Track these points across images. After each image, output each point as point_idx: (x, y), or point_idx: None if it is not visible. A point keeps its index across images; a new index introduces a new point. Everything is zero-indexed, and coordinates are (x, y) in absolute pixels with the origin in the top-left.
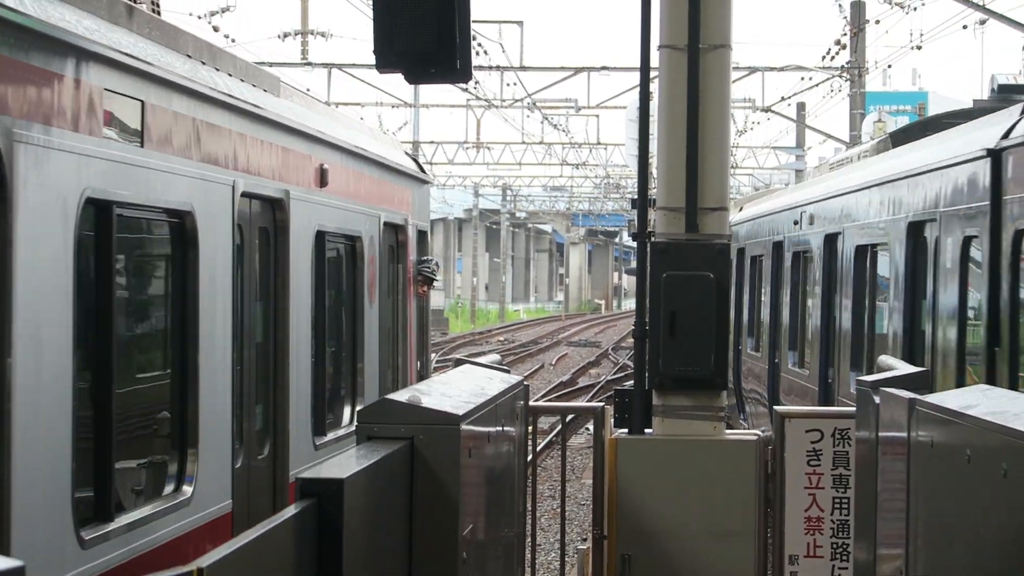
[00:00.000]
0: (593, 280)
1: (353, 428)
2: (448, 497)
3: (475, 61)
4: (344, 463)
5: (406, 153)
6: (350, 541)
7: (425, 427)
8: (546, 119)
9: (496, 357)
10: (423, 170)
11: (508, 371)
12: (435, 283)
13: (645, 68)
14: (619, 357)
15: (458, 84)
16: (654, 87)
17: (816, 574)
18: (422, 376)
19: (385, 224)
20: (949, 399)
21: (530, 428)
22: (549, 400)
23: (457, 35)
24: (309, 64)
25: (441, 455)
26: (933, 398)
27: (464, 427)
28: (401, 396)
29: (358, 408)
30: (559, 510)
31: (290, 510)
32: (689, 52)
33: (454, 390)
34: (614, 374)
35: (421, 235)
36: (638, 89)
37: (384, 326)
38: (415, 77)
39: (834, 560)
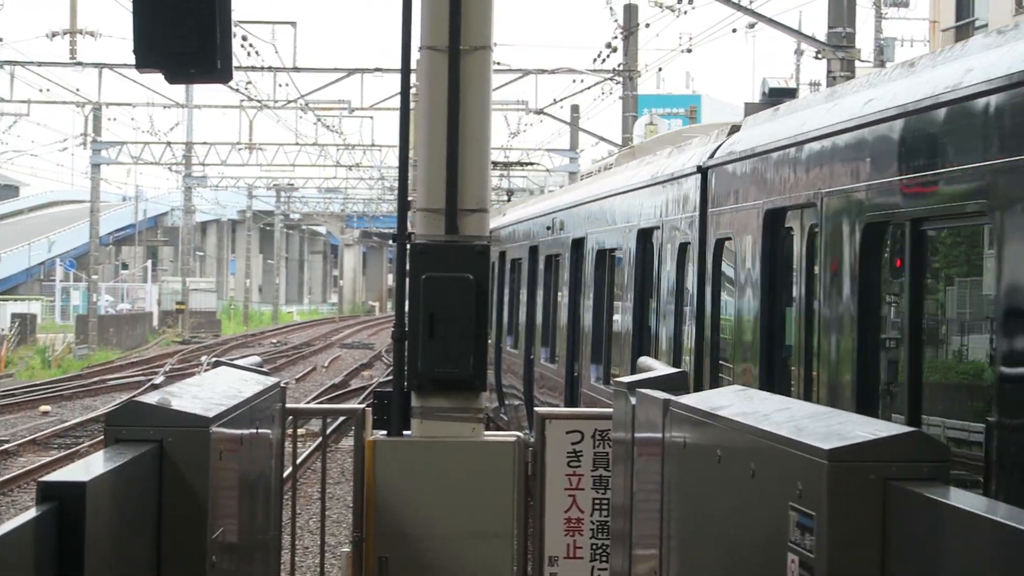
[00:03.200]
0: (368, 282)
1: None
2: (197, 500)
3: (247, 62)
4: (88, 466)
5: None
6: (94, 547)
7: (174, 429)
8: (320, 120)
9: (256, 359)
10: None
11: (267, 373)
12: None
13: (406, 69)
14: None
15: (220, 84)
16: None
17: (575, 575)
18: None
19: None
20: (702, 400)
21: (289, 431)
22: (321, 402)
23: (218, 35)
24: (79, 64)
25: (190, 458)
26: (686, 399)
27: (215, 429)
28: (151, 398)
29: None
30: (328, 513)
31: (27, 515)
32: (450, 53)
33: (206, 392)
34: (387, 376)
35: None
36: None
37: None
38: (175, 77)
39: (593, 561)
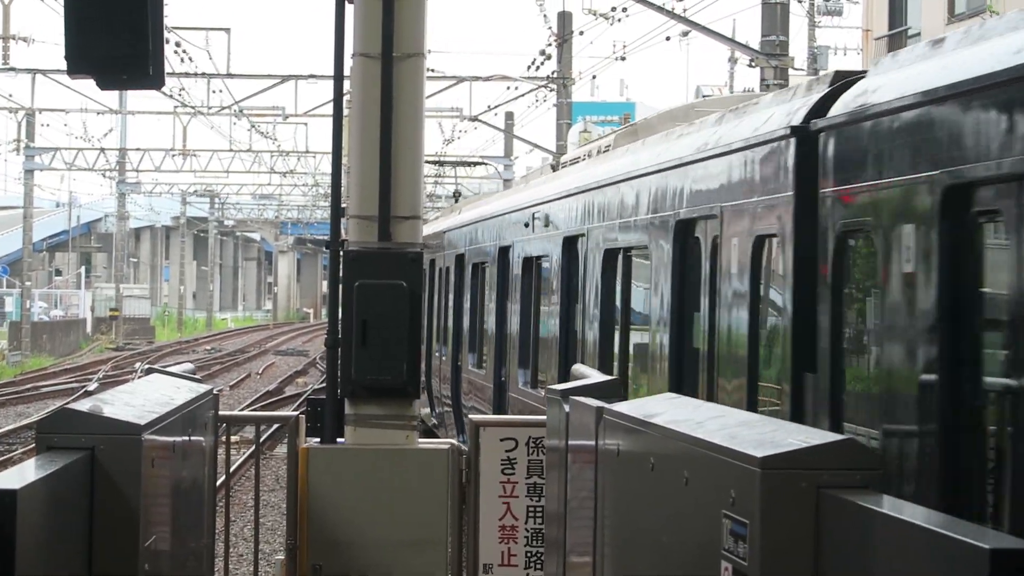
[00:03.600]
0: (302, 289)
1: None
2: (129, 508)
3: (181, 68)
4: (20, 474)
5: None
6: (24, 555)
7: (106, 437)
8: (254, 127)
9: (189, 366)
10: None
11: (199, 380)
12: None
13: (339, 76)
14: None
15: (153, 90)
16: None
17: None
18: None
19: None
20: (636, 408)
21: (223, 438)
22: (256, 409)
23: (150, 41)
24: (12, 69)
25: (122, 465)
26: (620, 406)
27: (147, 437)
28: (82, 405)
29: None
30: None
31: None
32: (383, 60)
33: (139, 399)
34: (321, 383)
35: None
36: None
37: None
38: (107, 83)
39: (528, 569)
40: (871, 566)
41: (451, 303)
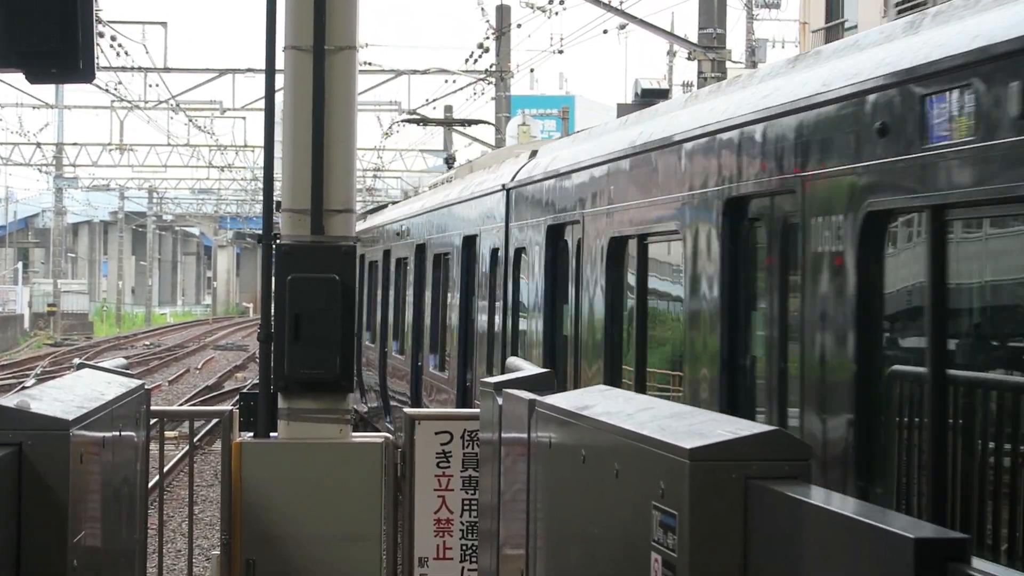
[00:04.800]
0: (241, 283)
1: None
2: (57, 503)
3: (117, 62)
4: None
5: None
6: None
7: (33, 432)
8: (191, 121)
9: (121, 361)
10: None
11: (132, 375)
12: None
13: (271, 70)
14: None
15: (84, 84)
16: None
17: None
18: None
19: None
20: (568, 400)
21: (156, 433)
22: (194, 404)
23: (80, 34)
24: None
25: (50, 461)
26: (552, 399)
27: (75, 432)
28: (9, 400)
29: None
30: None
31: None
32: (315, 53)
33: (67, 395)
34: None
35: None
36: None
37: None
38: (36, 77)
39: (463, 562)
40: (799, 556)
41: (379, 295)
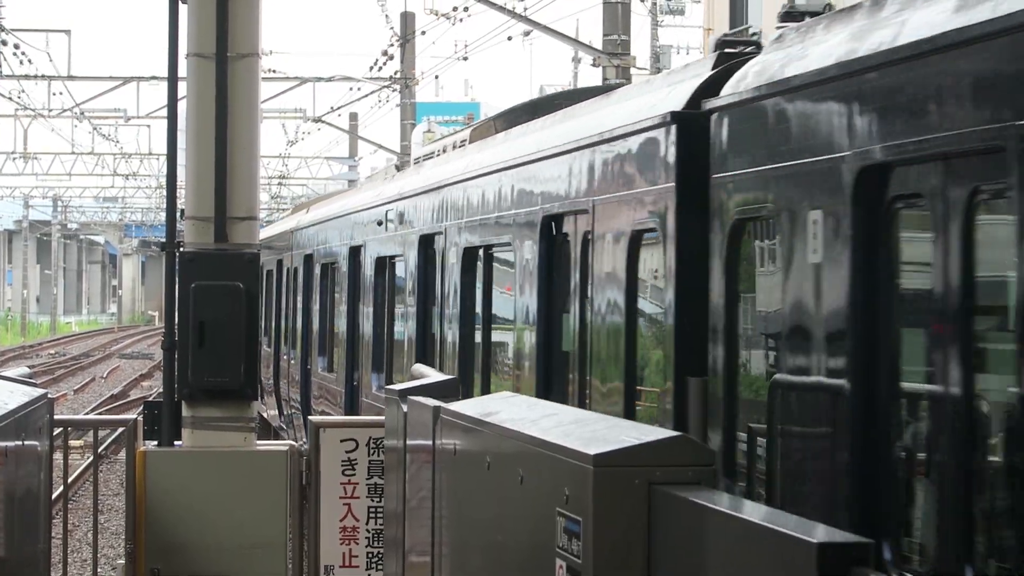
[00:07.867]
0: (147, 292)
1: None
2: None
3: (20, 70)
4: None
5: None
6: None
7: None
8: (96, 129)
9: (25, 370)
10: None
11: (35, 384)
12: None
13: (173, 77)
14: None
15: None
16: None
17: None
18: None
19: None
20: (472, 407)
21: (60, 442)
22: (100, 414)
23: None
24: None
25: None
26: (456, 405)
27: None
28: None
29: None
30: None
31: None
32: (217, 61)
33: None
34: None
35: None
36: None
37: None
38: None
39: (369, 570)
40: (704, 561)
41: (300, 304)
